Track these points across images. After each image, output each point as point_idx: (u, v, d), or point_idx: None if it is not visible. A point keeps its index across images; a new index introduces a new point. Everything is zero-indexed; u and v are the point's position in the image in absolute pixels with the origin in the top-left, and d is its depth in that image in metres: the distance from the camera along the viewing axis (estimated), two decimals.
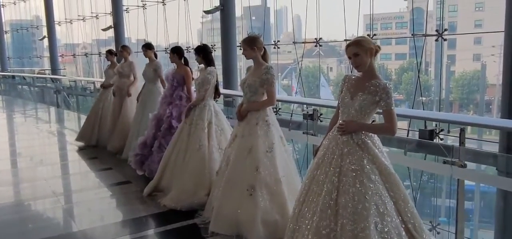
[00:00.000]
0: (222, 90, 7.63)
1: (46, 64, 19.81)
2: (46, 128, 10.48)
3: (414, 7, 9.49)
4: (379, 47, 2.88)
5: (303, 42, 9.94)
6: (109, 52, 7.74)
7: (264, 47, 3.87)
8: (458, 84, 26.48)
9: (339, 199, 2.76)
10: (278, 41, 10.27)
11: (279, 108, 8.65)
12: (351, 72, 3.36)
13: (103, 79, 8.35)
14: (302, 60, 10.20)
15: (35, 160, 7.22)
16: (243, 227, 3.69)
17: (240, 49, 4.98)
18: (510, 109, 6.08)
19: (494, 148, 6.26)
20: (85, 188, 5.66)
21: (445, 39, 7.48)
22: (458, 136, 3.86)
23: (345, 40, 8.38)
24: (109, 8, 15.14)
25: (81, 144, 7.73)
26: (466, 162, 3.71)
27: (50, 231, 4.18)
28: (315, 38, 9.41)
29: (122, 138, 6.78)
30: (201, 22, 14.50)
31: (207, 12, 10.61)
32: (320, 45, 9.54)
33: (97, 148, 7.47)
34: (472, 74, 26.24)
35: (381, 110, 2.91)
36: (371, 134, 2.93)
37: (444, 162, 3.82)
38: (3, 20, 23.26)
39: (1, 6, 23.00)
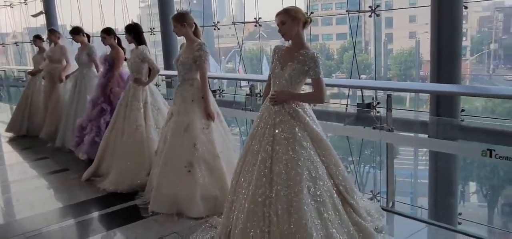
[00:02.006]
0: (163, 72, 7.56)
1: None
2: None
3: None
4: (309, 18, 2.98)
5: (242, 22, 9.96)
6: (37, 37, 7.42)
7: (195, 23, 3.88)
8: (396, 61, 27.55)
9: (273, 167, 2.86)
10: (218, 22, 10.18)
11: (223, 90, 8.68)
12: None
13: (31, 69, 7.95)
14: (243, 43, 10.23)
15: None
16: (183, 204, 3.73)
17: None
18: (438, 76, 6.46)
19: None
20: (21, 179, 5.49)
21: (377, 15, 7.76)
22: (386, 101, 4.03)
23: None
24: None
25: (10, 135, 7.43)
26: (393, 128, 3.90)
27: None
28: (255, 19, 9.44)
29: (55, 124, 6.56)
30: (139, 7, 14.08)
31: None
32: (260, 25, 9.59)
33: (29, 138, 7.21)
34: (409, 51, 27.41)
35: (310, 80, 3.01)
36: (301, 102, 3.04)
37: (374, 128, 3.98)
38: None
39: None
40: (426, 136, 6.22)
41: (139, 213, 3.96)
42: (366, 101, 6.59)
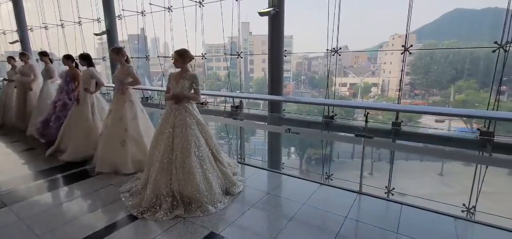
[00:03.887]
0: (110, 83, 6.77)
1: None
2: None
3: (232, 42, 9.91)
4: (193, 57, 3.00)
5: (165, 57, 9.54)
6: (11, 57, 6.05)
7: (126, 55, 3.59)
8: (255, 83, 28.85)
9: (174, 140, 2.83)
10: (148, 55, 9.55)
11: (152, 98, 8.13)
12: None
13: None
14: (169, 69, 9.87)
15: None
16: (119, 166, 3.51)
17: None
18: (272, 91, 6.90)
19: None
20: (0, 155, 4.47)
21: (241, 57, 8.02)
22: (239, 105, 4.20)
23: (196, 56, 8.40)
24: (14, 27, 11.86)
25: None
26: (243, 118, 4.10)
27: None
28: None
29: (27, 119, 5.44)
30: (97, 41, 12.55)
31: (97, 34, 9.20)
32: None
33: (5, 127, 5.88)
34: (262, 78, 29.03)
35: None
36: (190, 101, 3.02)
37: (234, 118, 4.11)
38: None
39: None
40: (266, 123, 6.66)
41: (88, 174, 3.56)
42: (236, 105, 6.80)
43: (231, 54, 8.30)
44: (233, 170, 3.36)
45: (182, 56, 2.91)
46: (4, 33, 13.28)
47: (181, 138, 2.81)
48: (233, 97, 5.20)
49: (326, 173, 5.78)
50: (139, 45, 10.90)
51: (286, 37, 7.79)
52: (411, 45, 4.58)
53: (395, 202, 2.95)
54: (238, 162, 3.86)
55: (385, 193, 4.12)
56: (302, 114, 7.22)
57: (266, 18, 6.62)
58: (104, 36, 9.77)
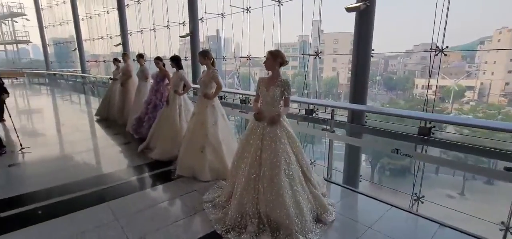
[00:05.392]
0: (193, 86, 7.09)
1: (78, 67, 17.79)
2: (77, 107, 9.18)
3: (302, 40, 9.51)
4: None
5: (240, 57, 9.63)
6: (115, 59, 6.77)
7: (212, 58, 3.44)
8: (324, 83, 27.52)
9: (262, 155, 2.50)
10: (225, 56, 9.79)
11: (225, 96, 8.28)
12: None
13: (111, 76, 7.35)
14: (239, 68, 9.94)
15: (72, 128, 6.25)
16: (197, 171, 3.40)
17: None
18: (355, 98, 6.16)
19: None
20: (105, 146, 4.95)
21: (320, 57, 7.46)
22: (330, 113, 3.67)
23: (264, 56, 8.19)
24: (118, 31, 13.77)
25: (98, 117, 6.84)
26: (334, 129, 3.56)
27: (87, 173, 3.69)
28: (247, 55, 9.10)
29: (125, 115, 6.01)
30: (179, 43, 13.76)
31: (182, 36, 9.83)
32: (250, 59, 9.23)
33: (108, 121, 6.61)
34: (330, 78, 27.46)
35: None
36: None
37: (323, 129, 3.62)
38: (46, 37, 20.66)
39: (44, 27, 20.34)
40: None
41: (172, 175, 3.55)
42: (310, 108, 6.30)
43: (309, 54, 7.77)
44: (322, 190, 2.87)
45: (275, 57, 2.54)
46: (110, 37, 15.67)
47: (270, 153, 2.46)
48: (325, 106, 4.56)
49: (416, 194, 4.84)
50: (217, 44, 11.35)
51: None
52: None
53: None
54: (325, 179, 3.35)
55: None
56: (388, 121, 6.23)
57: (342, 15, 5.81)
58: (186, 38, 10.50)
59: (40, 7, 20.22)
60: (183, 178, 3.42)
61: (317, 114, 6.42)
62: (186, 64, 11.20)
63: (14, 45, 22.14)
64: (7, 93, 5.54)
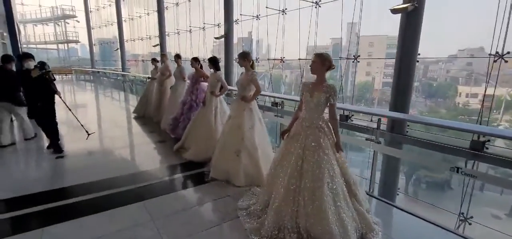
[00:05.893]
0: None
1: (119, 65, 18.93)
2: (117, 104, 9.70)
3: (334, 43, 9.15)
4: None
5: (273, 59, 9.55)
6: (154, 59, 6.98)
7: (252, 60, 3.33)
8: (358, 88, 26.47)
9: (303, 165, 2.32)
10: (257, 58, 9.76)
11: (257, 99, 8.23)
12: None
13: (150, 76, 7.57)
14: (272, 70, 9.84)
15: (111, 123, 6.60)
16: (231, 176, 3.29)
17: (236, 61, 4.40)
18: (396, 105, 5.75)
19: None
20: (142, 143, 5.06)
21: (359, 61, 7.11)
22: (377, 122, 3.37)
23: (299, 59, 7.86)
24: (157, 32, 14.38)
25: (135, 114, 7.09)
26: (380, 140, 3.26)
27: (124, 170, 3.75)
28: (280, 58, 8.96)
29: (161, 113, 6.14)
30: (213, 44, 14.05)
31: (217, 38, 9.95)
32: (282, 61, 9.07)
33: (145, 118, 6.82)
34: (364, 83, 26.25)
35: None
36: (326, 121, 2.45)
37: (367, 139, 3.34)
38: (93, 38, 22.26)
39: (92, 28, 21.95)
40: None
41: (205, 177, 3.48)
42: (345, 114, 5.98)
43: (347, 57, 7.41)
44: (366, 206, 2.60)
45: (323, 60, 2.34)
46: (149, 38, 16.42)
47: (313, 164, 2.27)
48: (379, 116, 4.08)
49: (463, 214, 4.34)
50: (250, 46, 11.33)
51: (395, 38, 6.48)
52: None
53: None
54: (366, 193, 3.06)
55: None
56: (429, 132, 5.72)
57: (378, 17, 5.40)
58: (220, 39, 10.63)
59: (89, 9, 21.84)
60: (217, 181, 3.33)
61: (352, 120, 6.07)
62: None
63: (65, 44, 24.15)
64: (58, 93, 5.86)
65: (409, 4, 5.16)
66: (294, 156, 2.36)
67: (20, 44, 11.93)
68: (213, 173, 3.37)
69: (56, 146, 4.33)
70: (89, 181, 3.36)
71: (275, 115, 4.89)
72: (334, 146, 2.36)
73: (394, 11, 5.30)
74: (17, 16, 14.58)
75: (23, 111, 4.74)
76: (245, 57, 3.28)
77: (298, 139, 2.41)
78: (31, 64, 4.29)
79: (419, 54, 5.64)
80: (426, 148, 5.13)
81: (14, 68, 4.58)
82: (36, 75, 4.04)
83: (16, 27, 11.18)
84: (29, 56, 4.42)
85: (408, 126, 5.67)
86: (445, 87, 24.01)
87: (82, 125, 5.13)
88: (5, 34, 10.00)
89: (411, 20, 5.37)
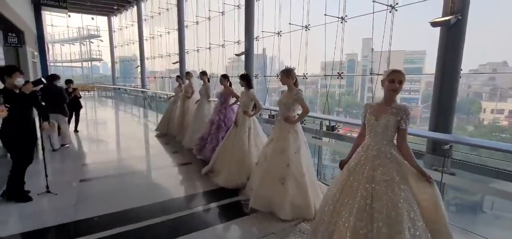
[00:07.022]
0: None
1: (139, 82, 19.17)
2: (137, 120, 9.56)
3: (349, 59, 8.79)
4: None
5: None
6: (178, 76, 6.78)
7: (296, 77, 2.96)
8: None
9: (373, 204, 1.87)
10: (277, 75, 9.62)
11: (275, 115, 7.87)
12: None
13: (173, 93, 7.30)
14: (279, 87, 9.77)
15: (131, 141, 6.37)
16: (275, 207, 2.84)
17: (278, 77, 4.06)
18: (437, 124, 5.23)
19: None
20: (162, 166, 4.67)
21: (377, 75, 6.75)
22: (447, 150, 2.87)
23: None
24: (176, 50, 14.49)
25: (157, 132, 6.82)
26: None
27: (151, 198, 3.32)
28: (303, 74, 8.68)
29: (183, 131, 5.86)
30: (227, 61, 13.97)
31: (237, 55, 9.78)
32: (306, 78, 8.80)
33: (167, 136, 6.52)
34: (380, 98, 25.49)
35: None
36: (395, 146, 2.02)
37: (435, 169, 2.84)
38: (115, 55, 22.90)
39: (114, 47, 22.60)
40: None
41: (242, 208, 3.07)
42: None
43: (371, 74, 7.00)
44: None
45: (402, 79, 1.94)
46: (169, 55, 16.61)
47: (388, 203, 1.83)
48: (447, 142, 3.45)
49: None
50: (265, 63, 11.10)
51: (419, 53, 5.96)
52: None
53: None
54: None
55: None
56: (459, 151, 5.07)
57: (395, 32, 4.93)
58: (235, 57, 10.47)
59: (113, 29, 22.55)
60: (257, 213, 2.90)
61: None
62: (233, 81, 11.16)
63: (89, 62, 24.93)
64: (81, 107, 6.61)
65: (451, 16, 4.73)
66: (360, 192, 1.93)
67: (48, 62, 12.23)
68: (254, 203, 2.94)
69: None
70: (114, 211, 2.98)
71: (313, 137, 4.42)
72: (417, 175, 1.91)
73: (435, 24, 4.88)
74: (47, 37, 15.10)
75: (65, 121, 5.55)
76: (288, 75, 2.93)
77: (363, 171, 1.99)
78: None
79: (461, 69, 5.15)
80: (471, 171, 4.52)
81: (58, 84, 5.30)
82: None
83: (46, 47, 11.55)
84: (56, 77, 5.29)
85: (451, 146, 5.10)
86: (467, 103, 22.78)
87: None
88: (35, 53, 10.30)
89: (453, 33, 4.93)
